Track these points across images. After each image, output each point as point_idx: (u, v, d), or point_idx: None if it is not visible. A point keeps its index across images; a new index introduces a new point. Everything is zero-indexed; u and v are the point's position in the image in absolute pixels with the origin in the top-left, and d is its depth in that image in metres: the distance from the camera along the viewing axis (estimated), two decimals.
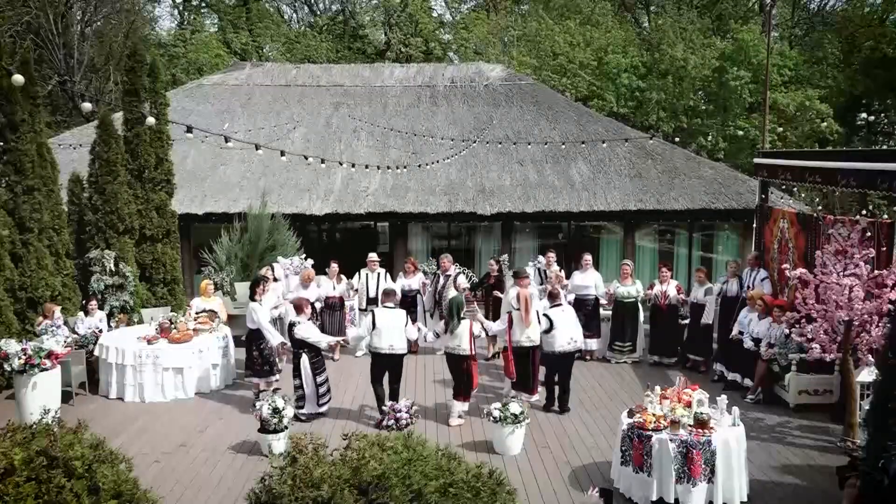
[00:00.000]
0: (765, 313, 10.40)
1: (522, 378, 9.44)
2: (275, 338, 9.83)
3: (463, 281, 11.74)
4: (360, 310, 12.32)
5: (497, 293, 12.40)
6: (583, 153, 17.34)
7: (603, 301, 11.90)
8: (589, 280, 11.79)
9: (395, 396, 9.27)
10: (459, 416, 9.17)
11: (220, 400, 10.13)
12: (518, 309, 9.43)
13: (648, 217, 16.24)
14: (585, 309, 11.70)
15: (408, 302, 12.14)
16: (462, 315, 9.11)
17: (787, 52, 26.76)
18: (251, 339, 9.95)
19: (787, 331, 9.78)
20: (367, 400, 9.88)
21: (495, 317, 11.98)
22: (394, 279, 12.88)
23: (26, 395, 8.85)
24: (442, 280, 12.21)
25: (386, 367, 9.23)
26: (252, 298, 9.96)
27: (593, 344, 11.89)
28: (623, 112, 26.17)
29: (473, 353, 9.12)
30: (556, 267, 12.21)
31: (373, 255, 12.62)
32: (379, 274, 12.38)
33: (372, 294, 12.10)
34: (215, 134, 13.54)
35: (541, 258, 12.95)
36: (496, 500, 4.24)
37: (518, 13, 31.72)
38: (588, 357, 11.89)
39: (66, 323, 10.62)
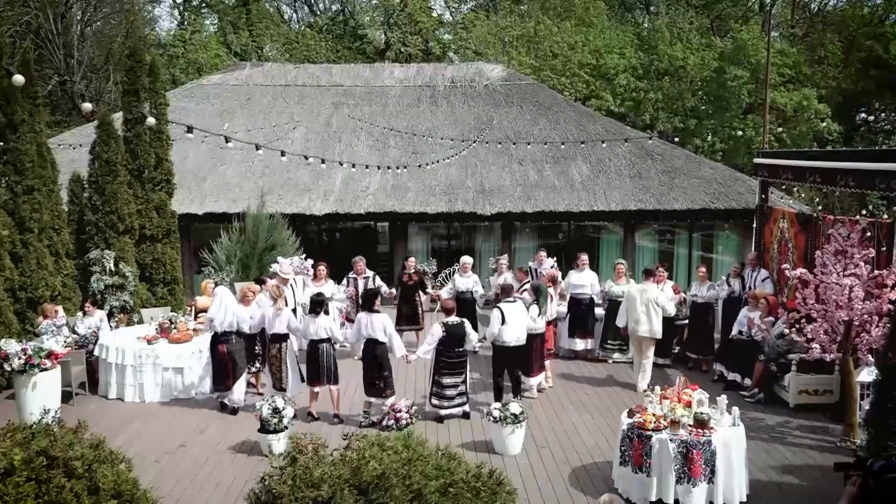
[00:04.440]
0: (767, 312, 10.40)
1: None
2: (399, 349, 9.13)
3: (382, 284, 11.85)
4: None
5: (436, 293, 12.41)
6: (583, 153, 17.34)
7: (598, 300, 11.91)
8: (585, 279, 11.80)
9: (518, 383, 9.52)
10: (540, 390, 10.11)
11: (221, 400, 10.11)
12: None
13: (648, 217, 16.26)
14: (581, 308, 11.73)
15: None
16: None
17: (787, 50, 26.72)
18: (376, 355, 8.99)
19: (785, 330, 9.80)
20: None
21: (412, 319, 11.96)
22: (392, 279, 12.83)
23: (26, 395, 8.84)
24: (361, 284, 11.76)
25: (512, 358, 9.38)
26: (371, 309, 9.06)
27: (588, 343, 11.89)
28: (621, 112, 26.17)
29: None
30: (547, 263, 12.20)
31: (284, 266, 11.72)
32: (292, 286, 11.45)
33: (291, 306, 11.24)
34: (215, 134, 13.54)
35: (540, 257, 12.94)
36: (496, 500, 4.24)
37: (517, 13, 31.70)
38: (588, 357, 11.90)
39: (66, 323, 10.62)
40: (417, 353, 9.19)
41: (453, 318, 9.16)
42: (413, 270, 12.39)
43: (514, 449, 8.16)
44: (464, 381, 9.25)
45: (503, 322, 9.19)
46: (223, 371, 9.49)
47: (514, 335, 9.26)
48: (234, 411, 9.49)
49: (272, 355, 9.45)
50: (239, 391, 9.56)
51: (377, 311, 9.05)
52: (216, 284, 12.17)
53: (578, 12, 29.75)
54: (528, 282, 10.71)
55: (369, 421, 8.93)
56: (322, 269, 11.99)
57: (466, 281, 12.04)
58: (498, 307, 9.37)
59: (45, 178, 11.35)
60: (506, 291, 9.66)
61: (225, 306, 9.47)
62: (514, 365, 9.45)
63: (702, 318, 11.43)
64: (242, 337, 9.68)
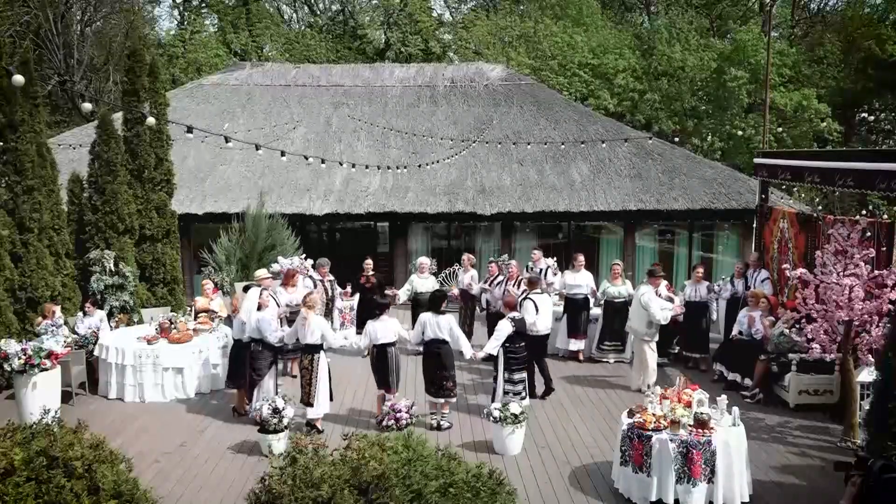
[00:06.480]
0: (768, 312, 10.40)
1: None
2: (468, 350, 9.03)
3: (337, 287, 11.98)
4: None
5: (393, 292, 11.75)
6: (583, 153, 17.34)
7: (591, 299, 11.91)
8: (580, 280, 11.81)
9: (546, 373, 10.10)
10: None
11: (220, 400, 10.11)
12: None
13: (648, 217, 16.24)
14: (575, 308, 11.75)
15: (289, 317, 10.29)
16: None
17: (786, 50, 26.69)
18: (440, 354, 8.98)
19: (785, 330, 9.80)
20: (367, 400, 9.87)
21: (360, 322, 11.23)
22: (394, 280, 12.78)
23: (26, 395, 8.84)
24: (328, 287, 11.68)
25: (540, 348, 10.09)
26: (437, 311, 9.02)
27: (581, 344, 11.89)
28: (619, 111, 26.16)
29: None
30: (543, 263, 12.25)
31: (262, 272, 11.08)
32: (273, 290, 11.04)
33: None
34: (215, 134, 13.53)
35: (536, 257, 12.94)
36: (496, 500, 4.25)
37: (517, 13, 31.72)
38: (582, 357, 11.89)
39: (66, 323, 10.62)
40: (485, 349, 9.07)
41: (516, 314, 9.22)
42: (371, 273, 12.21)
43: (514, 449, 8.16)
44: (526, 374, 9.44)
45: (537, 312, 9.77)
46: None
47: (545, 324, 10.05)
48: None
49: (303, 367, 8.84)
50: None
51: (443, 313, 9.03)
52: (215, 285, 12.17)
53: (572, 13, 29.75)
54: (500, 275, 11.75)
55: (437, 422, 8.93)
56: (297, 276, 11.30)
57: (424, 282, 12.02)
58: (531, 298, 9.90)
59: (44, 178, 11.35)
60: (533, 283, 10.19)
61: (246, 310, 9.35)
62: (541, 354, 10.08)
63: (696, 318, 11.44)
64: (265, 347, 9.14)
